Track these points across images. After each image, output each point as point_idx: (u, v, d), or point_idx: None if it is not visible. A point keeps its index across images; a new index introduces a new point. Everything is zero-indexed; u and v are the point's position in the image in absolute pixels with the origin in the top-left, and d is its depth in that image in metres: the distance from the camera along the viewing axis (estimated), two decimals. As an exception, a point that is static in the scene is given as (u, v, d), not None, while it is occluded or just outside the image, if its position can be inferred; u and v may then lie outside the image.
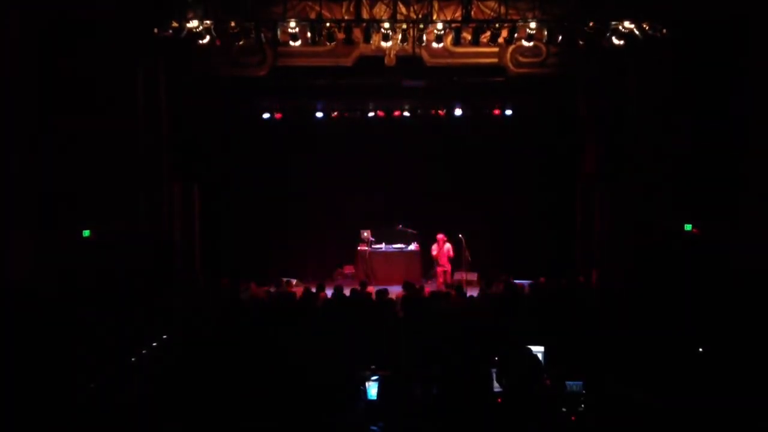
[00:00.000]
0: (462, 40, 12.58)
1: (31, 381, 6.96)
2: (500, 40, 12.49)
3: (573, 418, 5.64)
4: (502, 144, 16.35)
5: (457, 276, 15.11)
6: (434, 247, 15.34)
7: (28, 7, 11.33)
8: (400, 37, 12.10)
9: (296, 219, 16.62)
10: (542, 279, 13.02)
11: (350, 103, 16.06)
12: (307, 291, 11.83)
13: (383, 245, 16.18)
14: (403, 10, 12.24)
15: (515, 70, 13.78)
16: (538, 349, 6.47)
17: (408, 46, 12.47)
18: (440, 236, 15.27)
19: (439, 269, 15.30)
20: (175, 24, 11.62)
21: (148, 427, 6.01)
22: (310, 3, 12.45)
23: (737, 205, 12.46)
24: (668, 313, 9.70)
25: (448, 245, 15.20)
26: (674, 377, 6.76)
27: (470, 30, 12.39)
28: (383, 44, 12.58)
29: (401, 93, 15.68)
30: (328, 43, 12.30)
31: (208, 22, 11.70)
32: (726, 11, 12.09)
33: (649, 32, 11.72)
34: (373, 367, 6.62)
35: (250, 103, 15.88)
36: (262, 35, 12.01)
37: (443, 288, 14.29)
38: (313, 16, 12.27)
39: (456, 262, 15.25)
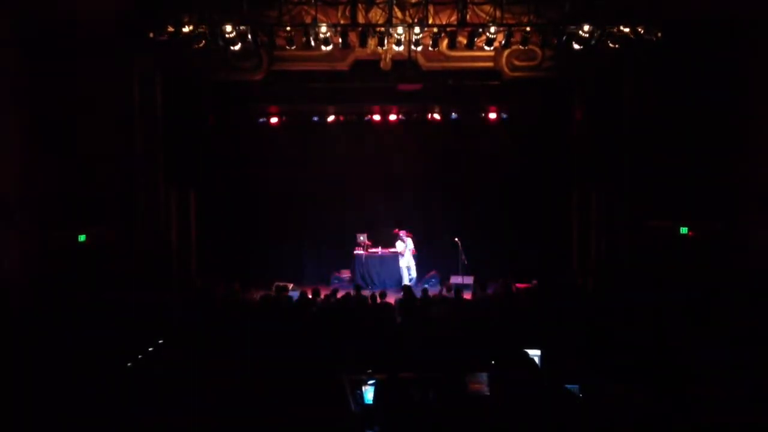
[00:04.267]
0: (457, 44, 12.59)
1: (17, 383, 6.94)
2: (496, 44, 12.51)
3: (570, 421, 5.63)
4: (498, 147, 16.34)
5: (454, 280, 15.13)
6: (398, 243, 15.67)
7: (24, 8, 11.32)
8: (395, 41, 12.11)
9: (292, 223, 16.61)
10: (536, 282, 13.03)
11: (346, 107, 16.05)
12: (303, 295, 11.82)
13: (380, 249, 16.18)
14: (399, 14, 12.25)
15: (511, 73, 13.80)
16: (534, 353, 6.47)
17: (404, 50, 12.48)
18: (402, 232, 15.72)
19: (402, 264, 15.59)
20: (170, 29, 11.60)
21: (144, 430, 6.00)
22: (305, 7, 12.44)
23: (735, 208, 12.50)
24: (665, 316, 9.71)
25: (410, 241, 15.66)
26: (671, 380, 6.76)
27: (466, 34, 12.39)
28: (379, 48, 12.59)
29: (397, 97, 15.67)
30: (323, 48, 12.30)
31: (203, 27, 11.68)
32: (721, 14, 12.13)
33: (644, 35, 11.74)
34: (369, 371, 6.62)
35: (246, 107, 15.87)
36: (258, 39, 12.01)
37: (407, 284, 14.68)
38: (308, 20, 12.27)
39: (453, 266, 15.27)
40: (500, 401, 4.73)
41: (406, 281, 15.36)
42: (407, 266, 15.75)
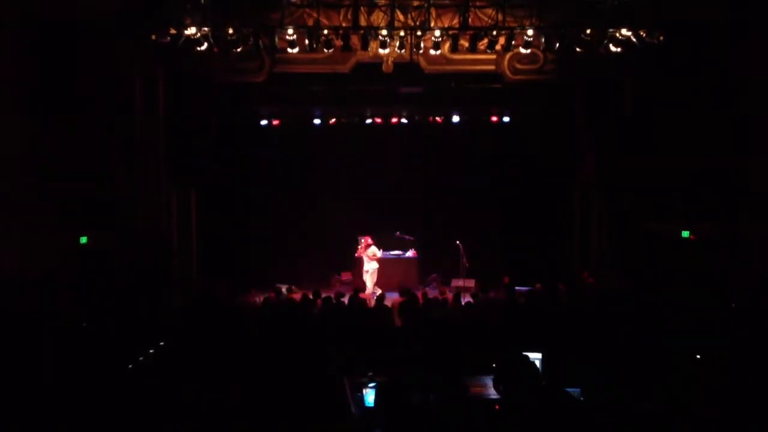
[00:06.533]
0: (459, 47, 12.59)
1: (18, 383, 6.95)
2: (498, 47, 12.51)
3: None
4: (500, 151, 16.35)
5: (455, 283, 15.12)
6: (360, 248, 15.51)
7: (27, 9, 11.34)
8: (397, 44, 12.11)
9: (294, 225, 16.62)
10: (538, 285, 13.01)
11: (348, 109, 16.05)
12: (304, 297, 11.82)
13: (381, 252, 16.15)
14: (401, 17, 12.26)
15: (513, 77, 13.80)
16: (535, 356, 6.46)
17: (405, 53, 12.48)
18: (365, 238, 15.47)
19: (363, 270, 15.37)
20: (173, 31, 11.61)
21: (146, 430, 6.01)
22: (308, 10, 12.46)
23: (736, 211, 12.49)
24: (666, 319, 9.69)
25: (373, 248, 15.36)
26: (672, 384, 6.76)
27: (468, 37, 12.40)
28: (381, 51, 12.59)
29: (399, 100, 15.68)
30: (325, 50, 12.31)
31: (206, 29, 11.69)
32: (722, 16, 12.14)
33: (646, 39, 11.74)
34: (370, 374, 6.61)
35: (248, 109, 15.88)
36: (260, 42, 12.02)
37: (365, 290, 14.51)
38: (310, 22, 12.28)
39: (454, 269, 15.26)
40: (505, 405, 4.73)
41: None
42: (366, 270, 15.33)
